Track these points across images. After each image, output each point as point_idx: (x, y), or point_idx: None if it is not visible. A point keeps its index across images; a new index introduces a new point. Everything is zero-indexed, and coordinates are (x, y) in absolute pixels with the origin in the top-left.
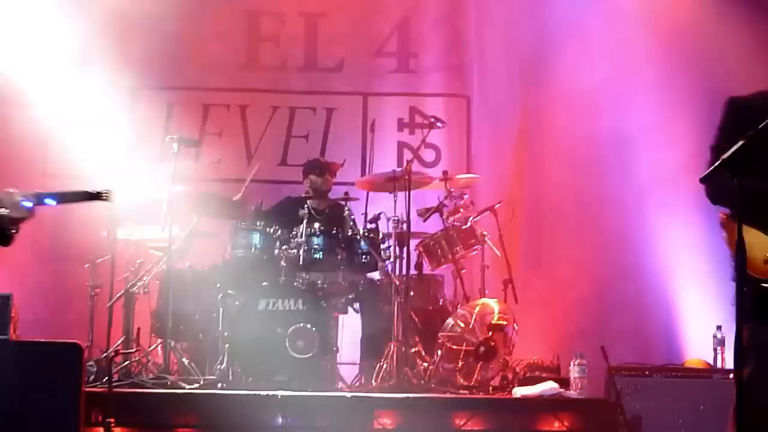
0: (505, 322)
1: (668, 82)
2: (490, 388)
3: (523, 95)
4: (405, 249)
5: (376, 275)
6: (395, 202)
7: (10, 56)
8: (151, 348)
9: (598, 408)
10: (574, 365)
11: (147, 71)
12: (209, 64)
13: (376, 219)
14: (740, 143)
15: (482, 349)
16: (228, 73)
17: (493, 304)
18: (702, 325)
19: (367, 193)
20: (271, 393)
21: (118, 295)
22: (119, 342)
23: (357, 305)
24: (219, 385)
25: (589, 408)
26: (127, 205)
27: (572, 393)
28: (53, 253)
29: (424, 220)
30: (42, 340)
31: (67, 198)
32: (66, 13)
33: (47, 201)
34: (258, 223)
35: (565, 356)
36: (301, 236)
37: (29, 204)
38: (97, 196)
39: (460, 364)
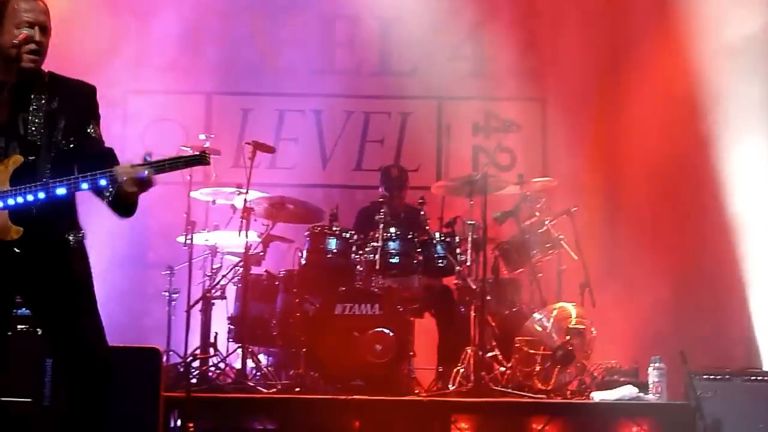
0: (582, 326)
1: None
2: (568, 392)
3: (598, 98)
4: (481, 253)
5: (452, 279)
6: (471, 207)
7: (87, 59)
8: (229, 353)
9: (677, 412)
10: (653, 369)
11: (222, 77)
12: (284, 69)
13: (452, 223)
14: None
15: (560, 353)
16: (303, 78)
17: (571, 308)
18: None
19: (443, 198)
20: (348, 397)
21: (195, 301)
22: (197, 347)
23: (433, 310)
24: (296, 389)
25: (668, 412)
26: (203, 211)
27: (651, 397)
28: (131, 259)
29: (500, 224)
30: (120, 345)
31: (166, 166)
32: (143, 17)
33: (144, 174)
34: (334, 228)
35: (643, 360)
36: (378, 241)
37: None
38: (195, 160)
39: (537, 368)
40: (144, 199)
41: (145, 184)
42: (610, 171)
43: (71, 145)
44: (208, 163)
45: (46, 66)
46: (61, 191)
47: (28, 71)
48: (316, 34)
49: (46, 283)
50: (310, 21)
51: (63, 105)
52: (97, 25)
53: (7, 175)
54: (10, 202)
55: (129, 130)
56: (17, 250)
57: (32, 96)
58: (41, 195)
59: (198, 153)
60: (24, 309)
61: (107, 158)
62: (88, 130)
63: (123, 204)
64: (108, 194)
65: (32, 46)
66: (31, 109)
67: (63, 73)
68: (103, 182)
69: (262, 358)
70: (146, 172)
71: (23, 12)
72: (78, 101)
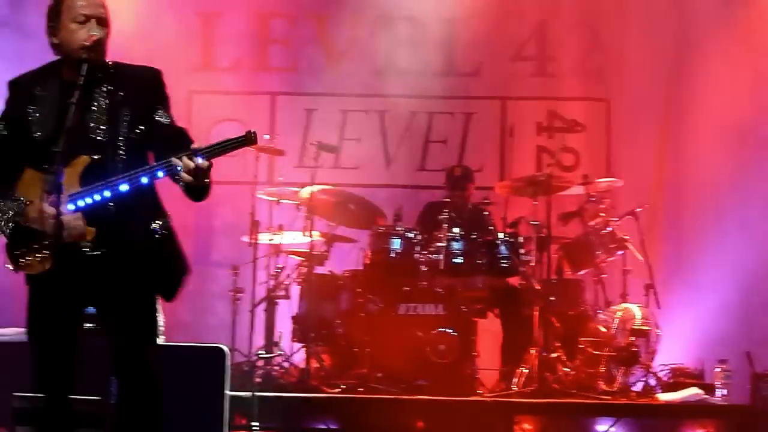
0: (647, 327)
1: None
2: (633, 393)
3: (663, 98)
4: (545, 253)
5: (516, 280)
6: (535, 207)
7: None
8: (293, 352)
9: (743, 414)
10: (719, 371)
11: (287, 77)
12: (348, 70)
13: (516, 223)
14: None
15: (624, 354)
16: (366, 79)
17: (635, 309)
18: None
19: (507, 198)
20: (411, 397)
21: (260, 300)
22: (261, 346)
23: (497, 310)
24: (360, 389)
25: (734, 414)
26: (268, 211)
27: (717, 399)
28: (196, 257)
29: (565, 225)
30: (185, 343)
31: (217, 150)
32: (208, 17)
33: (198, 160)
34: (398, 228)
35: (708, 362)
36: (442, 241)
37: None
38: (243, 141)
39: (601, 369)
40: (210, 198)
41: (201, 172)
42: (675, 171)
43: (140, 135)
44: (255, 143)
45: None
46: (123, 187)
47: (89, 66)
48: (379, 34)
49: (123, 281)
50: (374, 22)
51: (127, 94)
52: (162, 25)
53: (77, 177)
54: (81, 203)
55: (193, 130)
56: (89, 252)
57: (95, 91)
58: (107, 193)
59: (245, 134)
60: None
61: (179, 140)
62: (156, 116)
63: (193, 190)
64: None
65: (88, 39)
66: (94, 105)
67: None
68: (160, 174)
69: (326, 358)
70: (199, 159)
71: (79, 6)
72: (143, 87)
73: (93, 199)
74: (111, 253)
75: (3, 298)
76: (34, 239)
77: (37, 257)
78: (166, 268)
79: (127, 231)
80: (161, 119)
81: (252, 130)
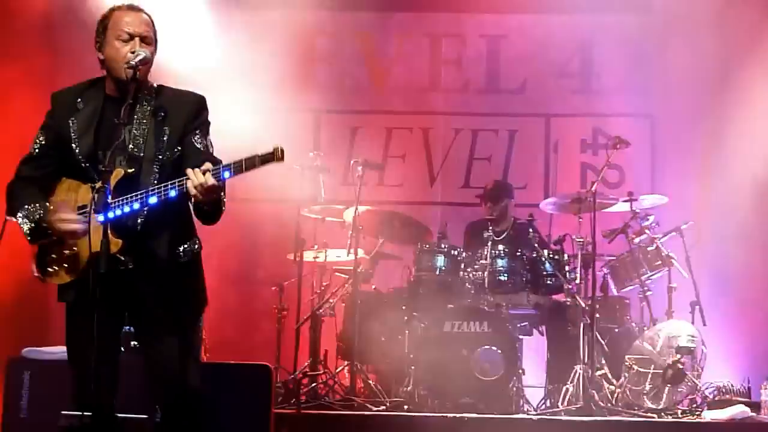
0: (693, 345)
1: None
2: (679, 411)
3: (708, 114)
4: (590, 271)
5: (561, 297)
6: (580, 224)
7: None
8: (338, 370)
9: None
10: (766, 389)
11: (331, 95)
12: (392, 87)
13: (560, 240)
14: None
15: (670, 372)
16: (410, 96)
17: (681, 326)
18: None
19: (551, 215)
20: (457, 415)
21: (305, 318)
22: (306, 364)
23: (542, 327)
24: (405, 407)
25: None
26: (313, 229)
27: (764, 417)
28: (241, 275)
29: (610, 242)
30: (231, 361)
31: (241, 167)
32: (254, 36)
33: (225, 175)
34: (442, 246)
35: (755, 379)
36: (486, 258)
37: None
38: (269, 158)
39: (647, 387)
40: (255, 217)
41: (209, 189)
42: (720, 187)
43: (177, 155)
44: (282, 160)
45: (156, 81)
46: (152, 200)
47: (132, 83)
48: (423, 52)
49: (148, 298)
50: (418, 40)
51: (169, 116)
52: (208, 42)
53: (110, 188)
54: (110, 215)
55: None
56: (122, 266)
57: (138, 108)
58: (136, 206)
59: (272, 150)
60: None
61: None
62: (193, 140)
63: (200, 209)
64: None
65: (131, 56)
66: (136, 121)
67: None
68: (190, 184)
69: (371, 376)
70: (225, 174)
71: (124, 23)
72: (185, 111)
73: (122, 211)
74: (138, 269)
75: (51, 317)
76: (61, 249)
77: (64, 266)
78: (184, 296)
79: (152, 248)
80: (196, 143)
81: (279, 147)
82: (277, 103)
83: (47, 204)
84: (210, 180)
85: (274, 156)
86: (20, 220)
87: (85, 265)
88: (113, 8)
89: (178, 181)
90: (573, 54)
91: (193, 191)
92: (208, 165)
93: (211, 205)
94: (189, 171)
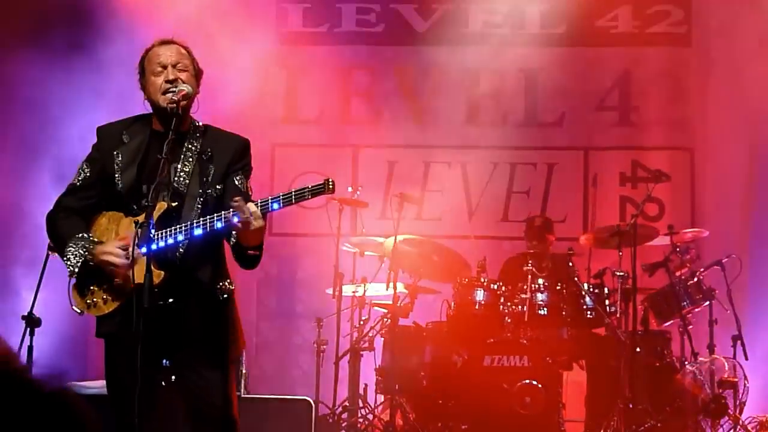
0: (735, 379)
1: None
2: None
3: (749, 146)
4: (631, 304)
5: (601, 331)
6: (620, 258)
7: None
8: (378, 404)
9: None
10: None
11: (369, 130)
12: (430, 122)
13: (600, 274)
14: None
15: (712, 406)
16: (448, 130)
17: (723, 360)
18: None
19: (591, 249)
20: None
21: (344, 352)
22: (346, 398)
23: (582, 361)
24: None
25: None
26: (351, 263)
27: None
28: (280, 310)
29: (650, 275)
30: (270, 396)
31: (290, 199)
32: (291, 71)
33: (274, 206)
34: (482, 280)
35: None
36: (526, 292)
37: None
38: (320, 190)
39: (689, 421)
40: (294, 250)
41: (254, 225)
42: (761, 219)
43: (220, 193)
44: (332, 191)
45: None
46: (197, 232)
47: (173, 115)
48: (461, 86)
49: (189, 333)
50: (455, 74)
51: (214, 155)
52: (246, 78)
53: (153, 220)
54: (153, 246)
55: (276, 183)
56: (161, 301)
57: (185, 146)
58: (180, 237)
59: (323, 182)
60: None
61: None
62: (235, 180)
63: (240, 253)
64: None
65: (166, 86)
66: (182, 157)
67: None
68: (236, 219)
69: (411, 410)
70: (275, 205)
71: (156, 57)
72: (230, 153)
73: (165, 243)
74: (179, 303)
75: (91, 350)
76: (101, 280)
77: (103, 298)
78: (224, 332)
79: (191, 284)
80: (237, 183)
81: (329, 179)
82: (314, 138)
83: (92, 236)
84: (257, 210)
85: (325, 188)
86: (66, 254)
87: (126, 297)
88: (148, 47)
89: (225, 213)
90: (612, 87)
91: (236, 223)
92: (252, 206)
93: (255, 242)
94: (235, 203)
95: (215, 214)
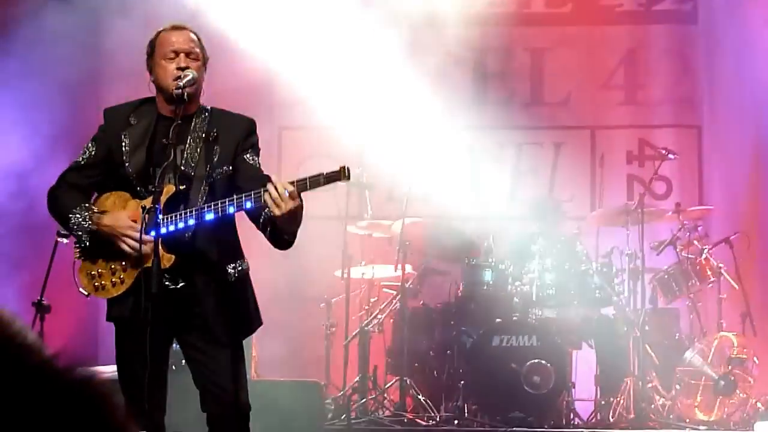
0: (744, 356)
1: None
2: (731, 423)
3: (756, 123)
4: (639, 283)
5: (610, 310)
6: (627, 236)
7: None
8: (388, 386)
9: None
10: None
11: (376, 110)
12: (437, 102)
13: (608, 253)
14: None
15: (722, 383)
16: (455, 110)
17: (732, 337)
18: None
19: (598, 228)
20: (507, 429)
21: (353, 334)
22: (356, 380)
23: (591, 340)
24: (455, 422)
25: None
26: (360, 245)
27: None
28: (289, 293)
29: (658, 254)
30: (281, 378)
31: (305, 185)
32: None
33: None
34: (490, 260)
35: None
36: (534, 272)
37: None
38: (335, 177)
39: (698, 399)
40: (301, 233)
41: (290, 212)
42: None
43: (227, 174)
44: (349, 178)
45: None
46: (209, 216)
47: (180, 103)
48: (467, 66)
49: (199, 317)
50: (461, 54)
51: (220, 136)
52: (252, 62)
53: (160, 205)
54: (162, 230)
55: (284, 166)
56: (171, 284)
57: (190, 128)
58: (191, 221)
59: (339, 169)
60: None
61: (264, 183)
62: (246, 157)
63: (279, 235)
64: (263, 222)
65: (177, 73)
66: (189, 141)
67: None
68: (248, 204)
69: (421, 391)
70: (287, 190)
71: (169, 43)
72: (236, 133)
73: (176, 227)
74: (189, 286)
75: (102, 335)
76: (108, 262)
77: (112, 281)
78: (234, 315)
79: (202, 266)
80: (249, 160)
81: (346, 166)
82: (321, 120)
83: (95, 208)
84: (291, 191)
85: (341, 175)
86: (72, 224)
87: (135, 280)
88: (159, 30)
89: (255, 193)
90: (618, 65)
91: (270, 202)
92: (287, 185)
93: (292, 224)
94: (270, 185)
95: (227, 198)
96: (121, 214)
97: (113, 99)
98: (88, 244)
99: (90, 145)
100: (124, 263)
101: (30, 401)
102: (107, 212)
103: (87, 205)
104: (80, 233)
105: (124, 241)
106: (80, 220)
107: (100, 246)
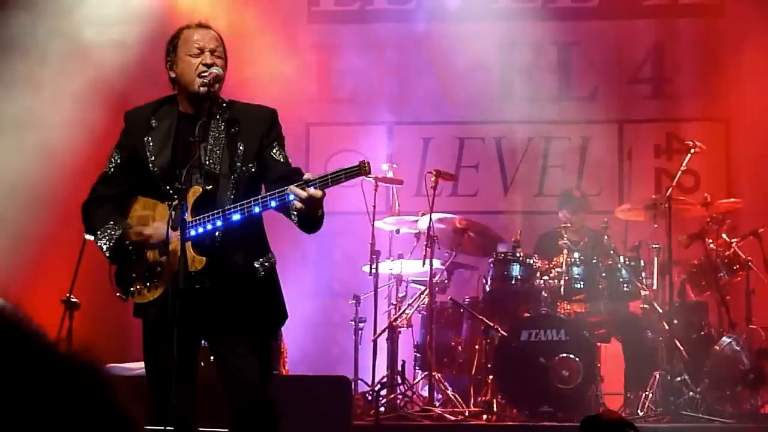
0: None
1: None
2: (761, 416)
3: None
4: (667, 277)
5: (638, 303)
6: (655, 230)
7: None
8: (416, 381)
9: None
10: None
11: (402, 107)
12: (463, 97)
13: (637, 247)
14: None
15: (751, 376)
16: (482, 106)
17: (761, 330)
18: None
19: (626, 222)
20: (536, 424)
21: (382, 329)
22: (384, 375)
23: (620, 334)
24: (484, 416)
25: None
26: (387, 240)
27: None
28: (317, 288)
29: (686, 247)
30: (310, 374)
31: (327, 182)
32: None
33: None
34: (518, 254)
35: None
36: (562, 266)
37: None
38: (355, 172)
39: (728, 392)
40: (329, 229)
41: (313, 202)
42: None
43: (252, 170)
44: (369, 173)
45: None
46: (236, 217)
47: (204, 98)
48: (494, 61)
49: (226, 315)
50: (488, 49)
51: (242, 130)
52: (279, 59)
53: (189, 206)
54: (192, 233)
55: (311, 162)
56: (198, 285)
57: (212, 125)
58: (219, 223)
59: (359, 164)
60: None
61: (293, 176)
62: (272, 153)
63: (305, 221)
64: (292, 215)
65: (203, 69)
66: (211, 138)
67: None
68: (273, 204)
69: (449, 386)
70: (311, 188)
71: (193, 40)
72: (258, 126)
73: (204, 229)
74: (217, 286)
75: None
76: (141, 269)
77: (147, 285)
78: (262, 310)
79: (231, 265)
80: (276, 156)
81: (365, 160)
82: (348, 117)
83: (126, 222)
84: (317, 193)
85: (361, 170)
86: (99, 240)
87: (168, 283)
88: (182, 27)
89: (278, 192)
90: (645, 59)
91: (300, 206)
92: (308, 175)
93: (315, 217)
94: (292, 188)
95: (252, 199)
96: (146, 227)
97: None
98: (112, 248)
99: (114, 153)
100: (158, 269)
101: (33, 383)
102: (132, 225)
103: (111, 223)
104: (106, 252)
105: (151, 250)
106: (102, 243)
107: (133, 252)
